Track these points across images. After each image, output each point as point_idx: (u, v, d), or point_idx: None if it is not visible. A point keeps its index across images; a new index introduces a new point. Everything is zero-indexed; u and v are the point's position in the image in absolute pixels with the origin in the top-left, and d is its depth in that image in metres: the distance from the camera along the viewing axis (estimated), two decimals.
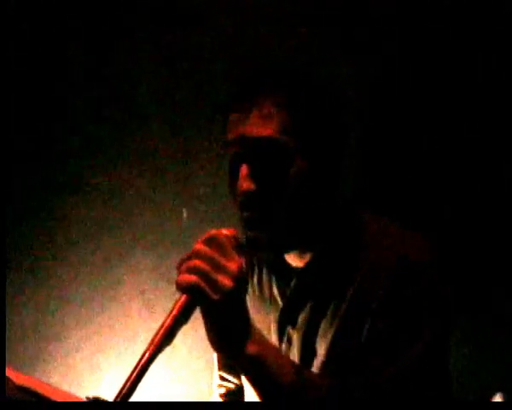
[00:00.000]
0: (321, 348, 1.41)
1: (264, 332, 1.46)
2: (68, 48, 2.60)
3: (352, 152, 1.47)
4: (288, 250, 1.47)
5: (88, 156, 2.62)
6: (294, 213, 1.39)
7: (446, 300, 1.38)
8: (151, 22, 2.58)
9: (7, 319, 2.54)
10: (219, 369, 1.73)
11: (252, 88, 1.41)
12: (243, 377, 1.55)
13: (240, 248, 1.28)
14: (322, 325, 1.42)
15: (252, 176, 1.37)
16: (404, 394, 1.30)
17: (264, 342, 1.29)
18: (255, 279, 1.62)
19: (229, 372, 1.72)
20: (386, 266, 1.36)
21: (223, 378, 1.75)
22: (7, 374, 1.29)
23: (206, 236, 1.26)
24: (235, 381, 1.74)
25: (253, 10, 2.51)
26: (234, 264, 1.23)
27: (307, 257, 1.46)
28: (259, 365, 1.26)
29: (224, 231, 1.28)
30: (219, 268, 1.21)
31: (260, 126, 1.36)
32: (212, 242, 1.24)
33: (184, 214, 2.58)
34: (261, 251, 1.42)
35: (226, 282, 1.21)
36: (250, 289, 1.62)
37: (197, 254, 1.22)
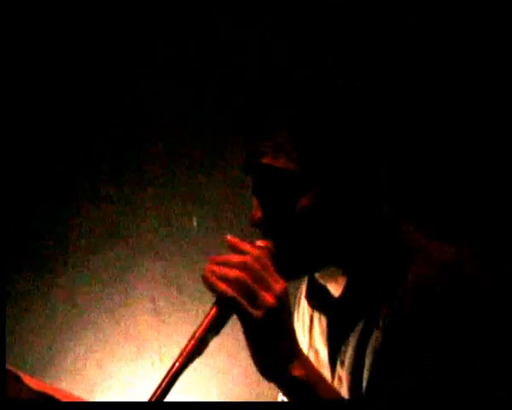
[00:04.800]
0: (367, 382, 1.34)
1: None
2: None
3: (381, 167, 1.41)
4: (314, 270, 1.42)
5: (98, 165, 2.64)
6: (310, 239, 1.35)
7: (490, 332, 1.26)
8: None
9: (17, 324, 2.56)
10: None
11: (265, 117, 1.39)
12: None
13: (276, 261, 1.27)
14: (367, 361, 1.34)
15: (264, 205, 1.35)
16: None
17: (310, 366, 1.27)
18: (307, 318, 1.56)
19: None
20: (416, 290, 1.29)
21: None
22: (24, 380, 1.31)
23: (246, 248, 1.25)
24: None
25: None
26: (278, 284, 1.22)
27: (342, 281, 1.39)
28: (305, 389, 1.23)
29: (259, 243, 1.29)
30: (262, 284, 1.21)
31: (273, 157, 1.33)
32: (258, 259, 1.23)
33: (194, 223, 2.59)
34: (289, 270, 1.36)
35: (268, 298, 1.20)
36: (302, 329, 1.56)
37: (243, 267, 1.21)
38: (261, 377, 1.28)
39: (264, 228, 1.35)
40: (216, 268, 1.22)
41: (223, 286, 1.20)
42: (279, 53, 2.51)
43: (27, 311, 2.59)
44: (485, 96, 2.36)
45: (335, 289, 1.42)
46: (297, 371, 1.23)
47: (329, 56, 2.45)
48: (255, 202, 1.37)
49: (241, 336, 1.26)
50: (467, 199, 2.39)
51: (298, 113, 1.38)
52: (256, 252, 1.25)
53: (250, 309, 1.19)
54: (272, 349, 1.22)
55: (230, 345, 2.40)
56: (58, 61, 2.62)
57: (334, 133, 1.38)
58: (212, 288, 1.21)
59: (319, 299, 1.47)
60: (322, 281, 1.44)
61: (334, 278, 1.41)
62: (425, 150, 2.43)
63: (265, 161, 1.34)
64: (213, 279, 1.21)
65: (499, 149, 2.37)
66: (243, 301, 1.19)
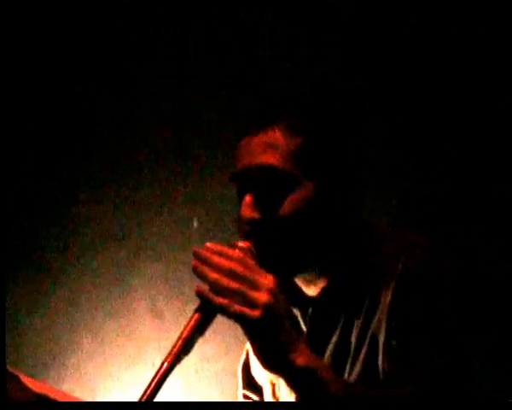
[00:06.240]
0: (351, 376, 1.39)
1: None
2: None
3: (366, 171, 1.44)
4: (295, 274, 1.45)
5: (98, 166, 2.64)
6: (298, 240, 1.38)
7: (460, 307, 1.36)
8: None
9: (18, 325, 2.57)
10: (243, 388, 1.70)
11: (259, 117, 1.43)
12: (267, 396, 1.56)
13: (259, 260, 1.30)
14: (350, 352, 1.40)
15: (256, 205, 1.37)
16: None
17: (309, 353, 1.29)
18: None
19: (253, 391, 1.68)
20: (391, 280, 1.36)
21: (246, 397, 1.71)
22: (25, 382, 1.31)
23: (229, 253, 1.27)
24: (258, 399, 1.73)
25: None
26: (267, 279, 1.25)
27: (321, 283, 1.44)
28: (310, 376, 1.26)
29: (241, 244, 1.31)
30: (253, 285, 1.23)
31: (264, 155, 1.38)
32: (242, 262, 1.26)
33: (195, 224, 2.60)
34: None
35: (263, 297, 1.22)
36: None
37: (231, 274, 1.24)
38: None
39: (254, 227, 1.37)
40: (207, 273, 1.24)
41: (218, 300, 1.22)
42: (279, 53, 2.51)
43: (28, 312, 2.60)
44: (485, 96, 2.36)
45: (311, 290, 1.46)
46: (300, 360, 1.26)
47: (329, 56, 2.46)
48: (248, 200, 1.38)
49: (242, 336, 1.28)
50: (465, 199, 2.39)
51: (296, 113, 1.41)
52: (238, 255, 1.27)
53: (248, 312, 1.22)
54: (275, 343, 1.25)
55: (231, 345, 2.40)
56: (58, 61, 2.62)
57: (332, 134, 1.43)
58: (202, 297, 1.24)
59: (295, 299, 1.50)
60: (298, 283, 1.47)
61: (309, 281, 1.45)
62: (424, 150, 2.43)
63: (264, 159, 1.38)
64: (207, 292, 1.23)
65: (499, 148, 2.37)
66: (241, 309, 1.22)
